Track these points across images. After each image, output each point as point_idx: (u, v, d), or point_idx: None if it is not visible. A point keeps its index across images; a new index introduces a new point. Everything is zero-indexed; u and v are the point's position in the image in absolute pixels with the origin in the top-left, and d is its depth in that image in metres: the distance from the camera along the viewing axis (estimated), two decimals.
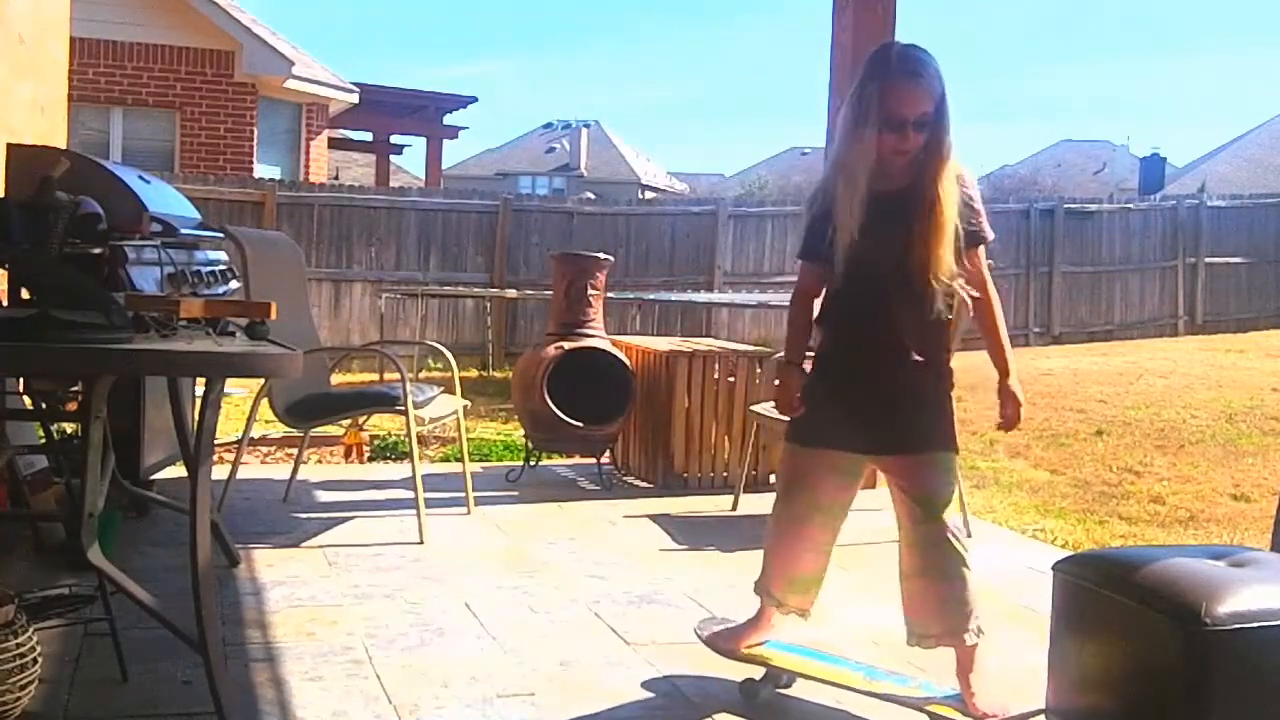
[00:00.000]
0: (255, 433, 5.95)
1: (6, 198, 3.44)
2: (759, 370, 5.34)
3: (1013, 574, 4.10)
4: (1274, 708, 2.05)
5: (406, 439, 4.47)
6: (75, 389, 3.70)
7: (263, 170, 13.63)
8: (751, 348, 5.77)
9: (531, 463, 5.57)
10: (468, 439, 5.38)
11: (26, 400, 3.65)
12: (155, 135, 13.25)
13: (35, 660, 2.34)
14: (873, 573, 3.81)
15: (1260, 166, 36.88)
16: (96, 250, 3.08)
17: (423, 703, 2.70)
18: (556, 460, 5.82)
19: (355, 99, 14.96)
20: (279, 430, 6.40)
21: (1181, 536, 5.34)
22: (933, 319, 2.54)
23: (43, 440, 3.87)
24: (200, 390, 2.80)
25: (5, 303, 3.47)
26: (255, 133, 13.55)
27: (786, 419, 2.76)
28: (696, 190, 43.45)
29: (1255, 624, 2.02)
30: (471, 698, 2.75)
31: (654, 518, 4.72)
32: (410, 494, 4.38)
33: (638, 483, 5.48)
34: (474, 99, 17.57)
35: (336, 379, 5.41)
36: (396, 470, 5.70)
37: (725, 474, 5.31)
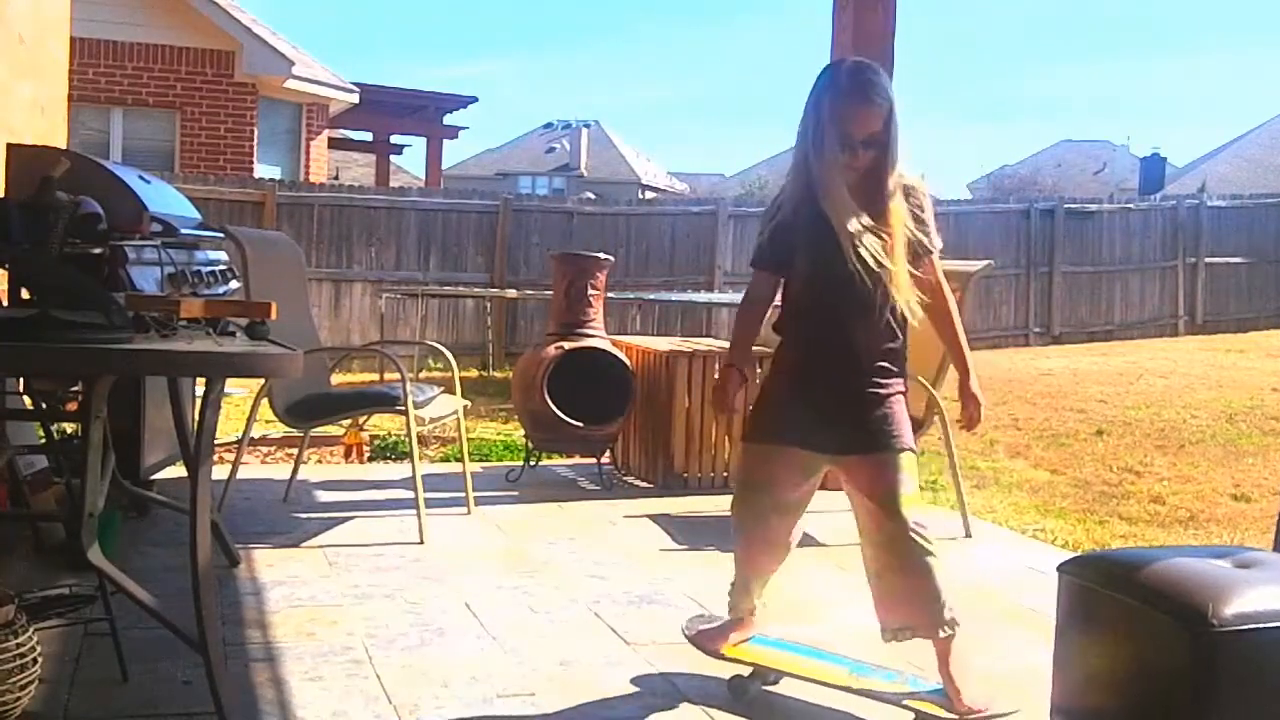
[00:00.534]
0: (255, 433, 5.95)
1: (7, 198, 3.45)
2: (759, 370, 5.33)
3: (1013, 574, 4.09)
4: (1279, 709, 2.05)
5: (406, 439, 4.47)
6: (75, 389, 3.69)
7: (263, 170, 13.63)
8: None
9: (531, 463, 5.57)
10: (468, 439, 5.37)
11: (26, 400, 3.65)
12: (155, 135, 13.25)
13: (35, 660, 2.34)
14: None
15: (1260, 166, 36.89)
16: (96, 250, 3.07)
17: (423, 703, 2.70)
18: (556, 460, 5.82)
19: (355, 99, 14.96)
20: (279, 430, 6.39)
21: (1182, 537, 5.33)
22: (887, 324, 2.63)
23: (43, 440, 3.87)
24: (200, 390, 2.79)
25: (5, 303, 3.47)
26: (255, 133, 13.56)
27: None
28: (696, 190, 43.48)
29: (1261, 625, 2.02)
30: (471, 698, 2.75)
31: (654, 518, 4.72)
32: (410, 494, 4.38)
33: (638, 483, 5.48)
34: (474, 99, 17.58)
35: (336, 379, 5.41)
36: (396, 470, 5.70)
37: (725, 474, 5.31)
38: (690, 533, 4.48)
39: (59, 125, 6.01)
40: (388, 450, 6.53)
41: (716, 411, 2.84)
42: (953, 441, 4.64)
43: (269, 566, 3.76)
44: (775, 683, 2.86)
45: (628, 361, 5.36)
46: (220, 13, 13.11)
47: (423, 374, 9.97)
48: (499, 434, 7.40)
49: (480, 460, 6.24)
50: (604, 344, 5.35)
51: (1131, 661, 2.18)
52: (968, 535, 4.60)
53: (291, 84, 13.59)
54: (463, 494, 4.73)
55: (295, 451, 5.39)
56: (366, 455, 6.33)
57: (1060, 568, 2.38)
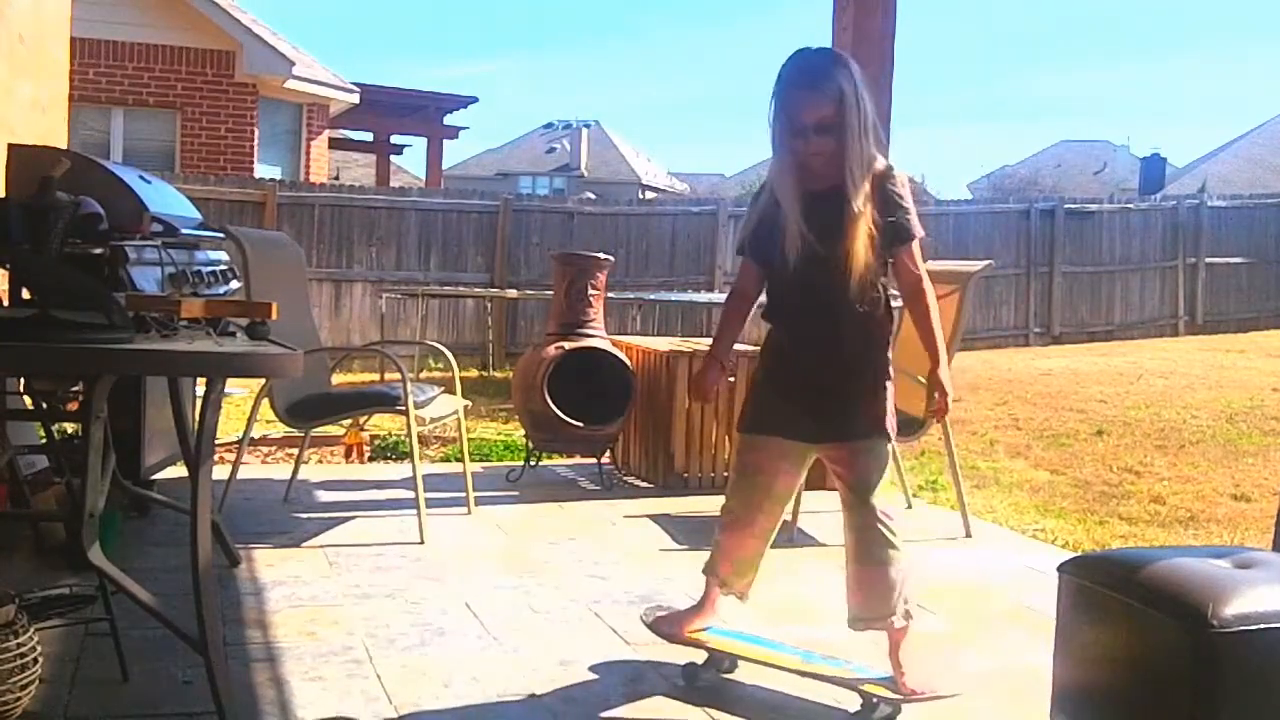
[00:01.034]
0: (256, 433, 5.95)
1: (7, 198, 3.44)
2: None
3: (1013, 574, 4.09)
4: None
5: (407, 439, 4.47)
6: (76, 389, 3.69)
7: (263, 170, 13.63)
8: (751, 348, 5.75)
9: (532, 463, 5.57)
10: (468, 439, 5.38)
11: (27, 400, 3.64)
12: (156, 135, 13.25)
13: (36, 660, 2.34)
14: None
15: (1260, 166, 36.88)
16: (97, 250, 3.07)
17: (423, 703, 2.70)
18: (556, 460, 5.82)
19: (356, 99, 14.96)
20: (279, 430, 6.39)
21: (1182, 537, 5.33)
22: (864, 312, 2.66)
23: (43, 440, 3.87)
24: (201, 390, 2.79)
25: (5, 303, 3.47)
26: (256, 133, 13.56)
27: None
28: (696, 190, 43.47)
29: (1261, 625, 2.02)
30: (471, 698, 2.75)
31: (654, 518, 4.72)
32: (410, 494, 4.38)
33: (638, 483, 5.48)
34: (474, 99, 17.59)
35: (337, 379, 5.41)
36: (397, 470, 5.70)
37: (725, 474, 5.30)
38: (690, 533, 4.48)
39: (59, 125, 6.01)
40: (388, 450, 6.53)
41: (692, 398, 2.95)
42: (953, 441, 4.64)
43: (269, 566, 3.76)
44: (730, 671, 2.94)
45: (628, 361, 5.36)
46: (221, 13, 13.11)
47: (423, 374, 9.97)
48: (499, 434, 7.41)
49: (480, 460, 6.24)
50: (604, 344, 5.35)
51: (1131, 661, 2.18)
52: (968, 535, 4.60)
53: (292, 84, 13.60)
54: (463, 494, 4.73)
55: (296, 451, 5.39)
56: (367, 455, 6.33)
57: (1060, 568, 2.39)
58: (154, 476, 4.28)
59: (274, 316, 2.56)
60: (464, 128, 19.75)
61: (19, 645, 2.29)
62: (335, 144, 17.72)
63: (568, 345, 5.24)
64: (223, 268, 4.32)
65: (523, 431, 5.69)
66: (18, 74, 5.33)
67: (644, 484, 5.44)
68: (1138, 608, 2.14)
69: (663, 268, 13.67)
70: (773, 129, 2.62)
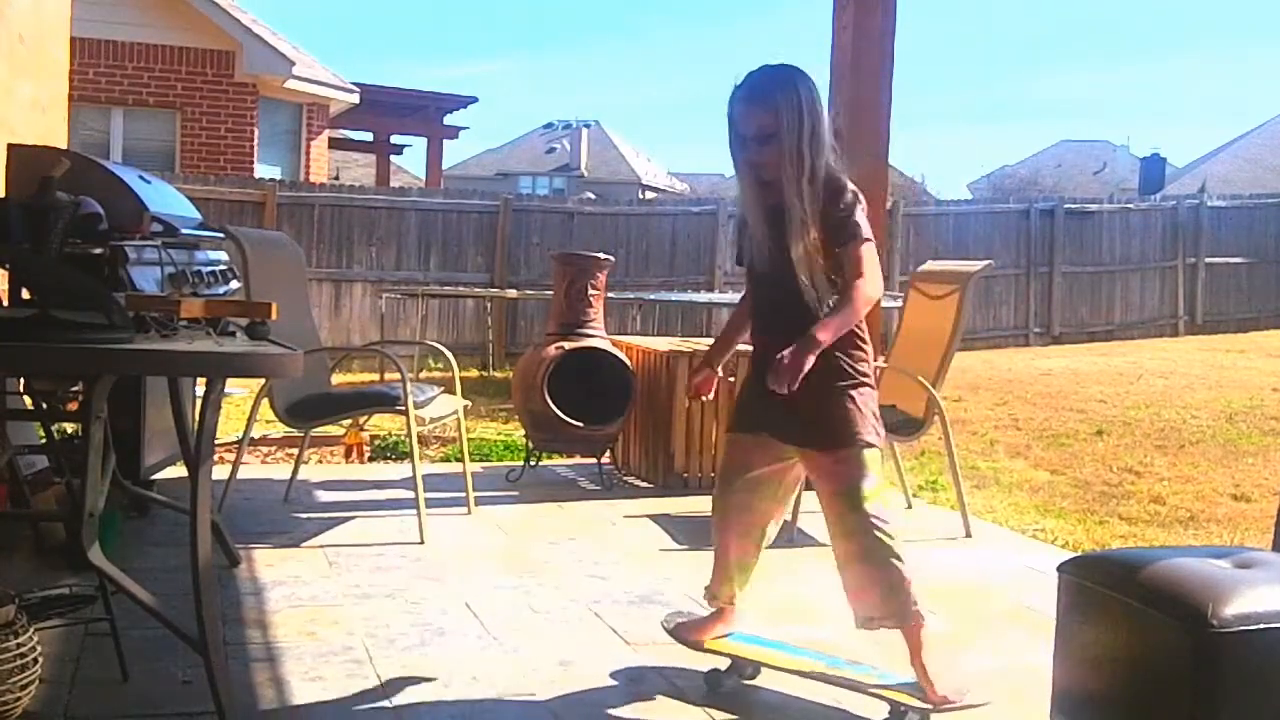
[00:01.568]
0: (256, 433, 5.95)
1: (7, 198, 3.44)
2: None
3: (1013, 574, 4.09)
4: None
5: (407, 439, 4.47)
6: (75, 389, 3.69)
7: (263, 170, 13.63)
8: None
9: (532, 463, 5.57)
10: (468, 439, 5.38)
11: (27, 400, 3.64)
12: (156, 135, 13.25)
13: (35, 660, 2.34)
14: None
15: (1260, 166, 36.87)
16: (97, 250, 3.08)
17: (423, 703, 2.70)
18: (556, 460, 5.82)
19: (355, 99, 14.96)
20: (279, 430, 6.39)
21: (1182, 537, 5.33)
22: (816, 318, 2.66)
23: (43, 440, 3.87)
24: (201, 390, 2.79)
25: (5, 303, 3.47)
26: (256, 133, 13.56)
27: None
28: (696, 190, 43.41)
29: (1261, 625, 2.02)
30: (471, 698, 2.75)
31: (654, 518, 4.72)
32: (410, 494, 4.38)
33: (638, 483, 5.48)
34: (474, 99, 17.59)
35: (337, 379, 5.41)
36: (397, 470, 5.70)
37: None
38: (690, 533, 4.48)
39: (59, 125, 6.01)
40: (388, 450, 6.53)
41: (688, 396, 2.98)
42: (953, 441, 4.64)
43: (269, 566, 3.76)
44: (753, 677, 2.92)
45: (628, 361, 5.36)
46: (220, 13, 13.11)
47: (423, 374, 9.97)
48: (499, 434, 7.41)
49: (480, 460, 6.24)
50: (604, 344, 5.35)
51: (1131, 661, 2.18)
52: (968, 535, 4.60)
53: (292, 84, 13.59)
54: (463, 494, 4.73)
55: (295, 451, 5.39)
56: (367, 455, 6.33)
57: (1060, 568, 2.39)
58: (154, 476, 4.28)
59: (274, 316, 2.56)
60: (464, 128, 19.77)
61: (19, 645, 2.29)
62: (335, 144, 17.72)
63: (568, 345, 5.24)
64: (223, 268, 4.32)
65: (523, 431, 5.69)
66: (18, 74, 5.33)
67: (644, 484, 5.44)
68: (1138, 608, 2.14)
69: (663, 268, 13.67)
70: (729, 143, 2.74)
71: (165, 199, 4.31)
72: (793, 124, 2.60)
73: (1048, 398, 9.69)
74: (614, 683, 2.89)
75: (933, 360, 4.52)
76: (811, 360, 2.56)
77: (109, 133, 12.95)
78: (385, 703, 2.69)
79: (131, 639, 2.77)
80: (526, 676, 2.90)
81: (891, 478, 5.33)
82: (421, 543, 4.13)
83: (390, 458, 6.41)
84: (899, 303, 5.20)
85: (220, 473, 4.45)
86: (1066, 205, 15.85)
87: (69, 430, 4.12)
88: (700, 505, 4.96)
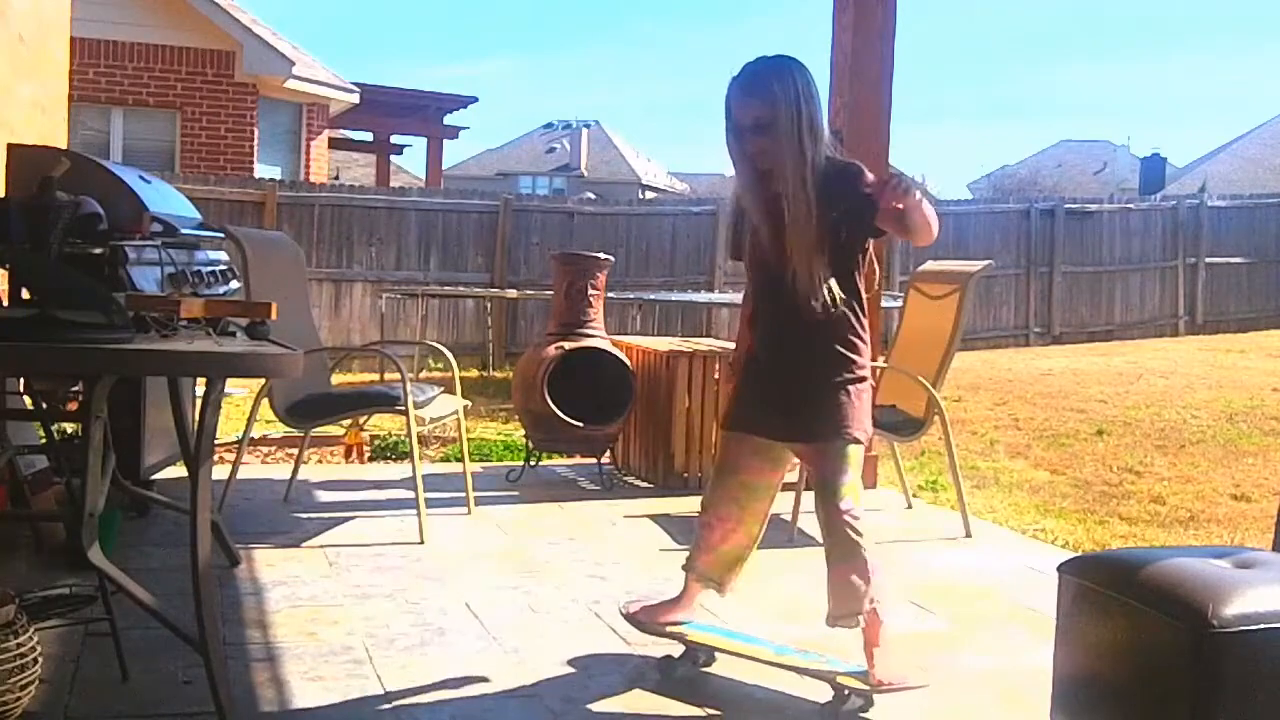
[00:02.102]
0: (255, 433, 5.95)
1: (7, 198, 3.45)
2: None
3: (1013, 574, 4.09)
4: None
5: (407, 439, 4.47)
6: (75, 389, 3.70)
7: (263, 170, 13.63)
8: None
9: (531, 463, 5.57)
10: (468, 439, 5.37)
11: (27, 400, 3.65)
12: (156, 135, 13.24)
13: (35, 660, 2.34)
14: None
15: (1260, 166, 36.87)
16: (97, 250, 3.08)
17: (423, 703, 2.70)
18: (556, 460, 5.82)
19: (356, 99, 14.95)
20: (279, 430, 6.39)
21: (1182, 537, 5.33)
22: (823, 314, 2.69)
23: (43, 440, 3.87)
24: (200, 390, 2.79)
25: (5, 303, 3.47)
26: (256, 133, 13.55)
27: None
28: (697, 190, 43.41)
29: (1261, 625, 2.02)
30: (471, 697, 2.75)
31: (654, 518, 4.72)
32: (410, 494, 4.38)
33: (638, 483, 5.48)
34: (474, 99, 17.59)
35: (337, 379, 5.41)
36: (397, 470, 5.70)
37: None
38: (690, 533, 4.44)
39: (59, 125, 6.01)
40: (388, 450, 6.53)
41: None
42: (953, 441, 4.64)
43: (269, 566, 3.76)
44: (708, 664, 2.98)
45: (628, 361, 5.36)
46: (220, 13, 13.11)
47: (423, 374, 9.97)
48: (499, 434, 7.41)
49: (480, 460, 6.24)
50: (604, 344, 5.35)
51: (1131, 661, 2.18)
52: (968, 535, 4.59)
53: (292, 84, 13.59)
54: (463, 494, 4.73)
55: (295, 451, 5.39)
56: (367, 455, 6.33)
57: (1060, 568, 2.39)
58: (154, 476, 4.28)
59: (274, 316, 2.56)
60: (464, 128, 19.76)
61: (19, 645, 2.29)
62: (335, 144, 17.72)
63: (568, 345, 5.24)
64: (223, 268, 4.32)
65: (523, 431, 5.69)
66: (18, 74, 5.33)
67: (644, 484, 5.44)
68: (1138, 608, 2.14)
69: (663, 268, 13.67)
70: (725, 135, 2.74)
71: (165, 199, 4.31)
72: (789, 114, 2.61)
73: (1048, 398, 9.69)
74: (614, 683, 2.89)
75: (933, 360, 4.52)
76: (913, 194, 2.49)
77: (109, 133, 12.94)
78: (385, 703, 2.69)
79: (131, 639, 2.77)
80: (526, 676, 2.90)
81: (892, 477, 5.33)
82: (421, 543, 4.13)
83: (390, 458, 6.41)
84: (899, 303, 5.19)
85: (220, 473, 4.45)
86: (1067, 205, 15.85)
87: (69, 430, 4.12)
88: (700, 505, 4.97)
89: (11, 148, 4.24)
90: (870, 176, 2.66)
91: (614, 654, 3.10)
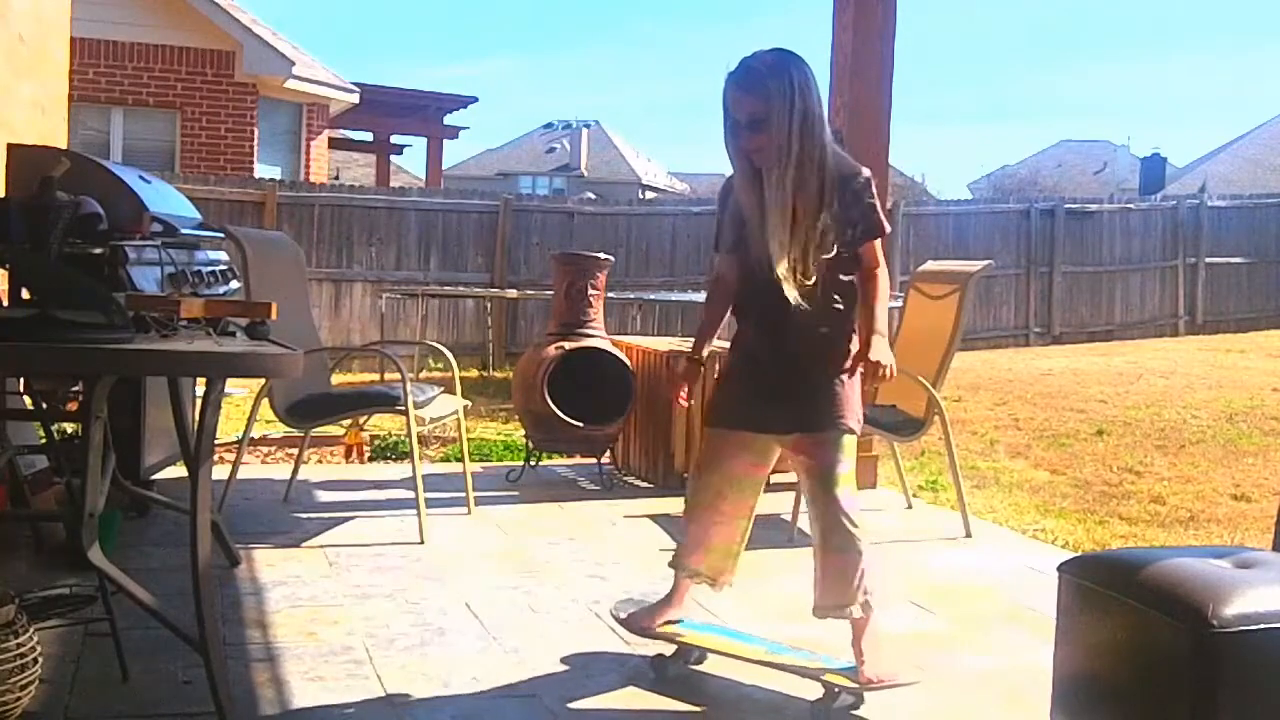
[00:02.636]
0: (255, 433, 5.95)
1: (7, 198, 3.45)
2: None
3: (1013, 574, 4.09)
4: None
5: (407, 439, 4.47)
6: (75, 389, 3.70)
7: (263, 170, 13.63)
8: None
9: (532, 463, 5.57)
10: (468, 439, 5.38)
11: (27, 400, 3.65)
12: (156, 135, 13.25)
13: (35, 660, 2.34)
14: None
15: (1260, 166, 36.87)
16: (97, 250, 3.08)
17: (423, 702, 2.70)
18: (556, 460, 5.82)
19: (356, 99, 14.96)
20: (279, 430, 6.39)
21: (1182, 537, 5.33)
22: (829, 306, 2.73)
23: (43, 440, 3.87)
24: (201, 390, 2.79)
25: (5, 303, 3.47)
26: (256, 133, 13.55)
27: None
28: (697, 190, 43.39)
29: (1261, 625, 2.02)
30: (471, 697, 2.75)
31: (654, 518, 4.72)
32: (410, 494, 4.38)
33: (638, 483, 5.48)
34: (474, 99, 17.59)
35: (337, 379, 5.41)
36: (397, 470, 5.70)
37: None
38: None
39: (59, 125, 6.01)
40: (388, 450, 6.53)
41: (674, 399, 3.04)
42: (953, 441, 4.64)
43: (269, 566, 3.76)
44: (699, 662, 2.99)
45: (628, 361, 5.36)
46: (220, 13, 13.11)
47: (423, 374, 9.97)
48: (499, 434, 7.40)
49: (480, 460, 6.24)
50: (604, 344, 5.35)
51: (1131, 661, 2.18)
52: (968, 535, 4.59)
53: (292, 84, 13.59)
54: (463, 494, 4.73)
55: (295, 451, 5.39)
56: (367, 455, 6.33)
57: (1060, 568, 2.39)
58: (154, 476, 4.29)
59: (274, 316, 2.56)
60: (464, 128, 19.77)
61: (19, 645, 2.29)
62: (335, 144, 17.72)
63: (568, 345, 5.24)
64: (223, 268, 4.32)
65: (523, 431, 5.69)
66: (18, 74, 5.33)
67: (644, 484, 5.44)
68: (1138, 608, 2.13)
69: (663, 268, 13.67)
70: (723, 131, 2.74)
71: (165, 199, 4.31)
72: (780, 110, 2.60)
73: (1048, 398, 9.69)
74: (613, 683, 2.89)
75: (933, 360, 4.52)
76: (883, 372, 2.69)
77: (109, 133, 12.94)
78: (385, 703, 2.69)
79: (131, 639, 2.77)
80: (526, 676, 2.90)
81: (892, 477, 5.33)
82: (421, 543, 4.13)
83: (390, 458, 6.41)
84: (899, 303, 5.19)
85: (220, 473, 4.45)
86: (1067, 205, 15.85)
87: (69, 430, 4.12)
88: None
89: (11, 148, 4.24)
90: (874, 190, 2.71)
91: (613, 654, 3.10)
